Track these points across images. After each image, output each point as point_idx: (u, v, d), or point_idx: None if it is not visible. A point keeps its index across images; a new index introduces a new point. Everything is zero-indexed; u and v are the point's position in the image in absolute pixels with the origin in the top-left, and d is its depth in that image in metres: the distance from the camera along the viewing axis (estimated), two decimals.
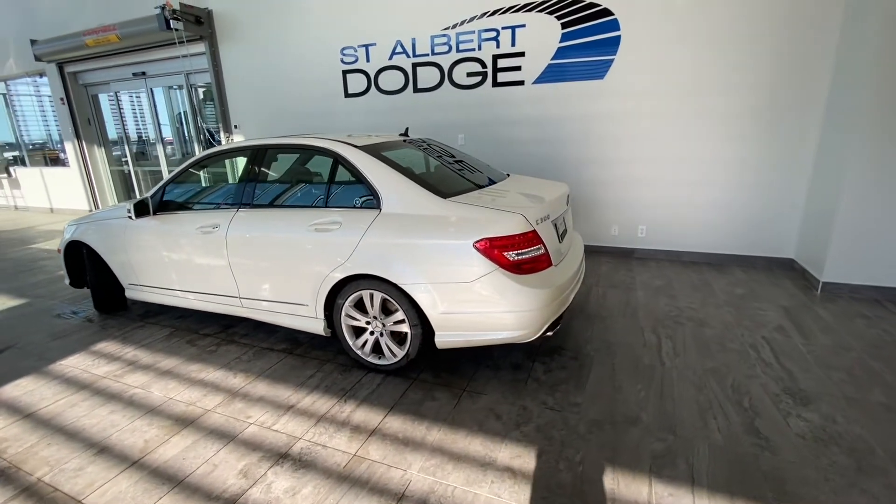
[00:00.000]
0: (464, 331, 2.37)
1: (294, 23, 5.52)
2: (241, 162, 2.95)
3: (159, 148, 7.38)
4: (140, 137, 7.88)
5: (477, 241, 2.23)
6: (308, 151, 2.83)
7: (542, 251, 2.36)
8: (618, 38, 4.24)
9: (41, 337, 3.27)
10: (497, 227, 2.24)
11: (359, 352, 2.67)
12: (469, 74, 4.88)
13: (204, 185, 3.13)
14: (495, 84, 4.81)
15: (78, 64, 7.24)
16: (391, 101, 5.33)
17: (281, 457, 2.00)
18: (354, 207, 2.57)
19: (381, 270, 2.42)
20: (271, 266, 2.76)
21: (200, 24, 5.88)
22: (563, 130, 4.67)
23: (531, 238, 2.29)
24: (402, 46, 5.09)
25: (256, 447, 2.07)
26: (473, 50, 4.79)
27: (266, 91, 6.04)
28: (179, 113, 7.24)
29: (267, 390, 2.52)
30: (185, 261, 3.08)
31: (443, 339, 2.41)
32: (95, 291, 3.54)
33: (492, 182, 2.98)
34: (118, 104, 7.54)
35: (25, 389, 2.60)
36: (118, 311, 3.68)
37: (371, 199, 2.52)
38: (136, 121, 7.76)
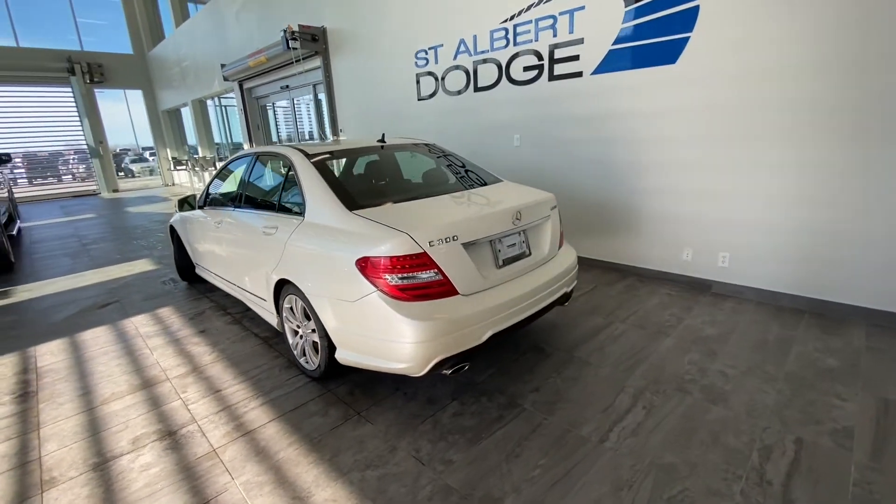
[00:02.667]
0: (357, 352, 2.24)
1: (381, 30, 5.86)
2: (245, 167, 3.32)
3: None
4: (289, 138, 9.50)
5: (359, 259, 2.08)
6: (277, 159, 3.02)
7: (438, 277, 2.05)
8: (695, 11, 3.27)
9: (139, 297, 4.31)
10: (379, 246, 2.04)
11: (294, 352, 2.77)
12: (526, 69, 4.43)
13: (230, 185, 3.62)
14: (552, 77, 4.26)
15: (249, 82, 9.11)
16: (455, 103, 5.22)
17: (169, 434, 2.24)
18: (292, 213, 2.65)
19: (294, 277, 2.46)
20: (244, 261, 3.08)
21: (316, 41, 6.74)
22: (625, 128, 3.85)
23: (419, 261, 2.01)
24: (464, 45, 4.92)
25: (164, 420, 2.37)
26: (530, 42, 4.32)
27: (362, 97, 6.59)
28: (310, 118, 8.48)
29: (219, 371, 2.83)
30: (209, 248, 3.66)
31: (342, 356, 2.32)
32: (178, 266, 4.50)
33: (467, 188, 2.73)
34: (274, 112, 9.24)
35: (94, 335, 3.49)
36: (196, 282, 4.59)
37: (302, 207, 2.57)
38: (287, 125, 9.38)
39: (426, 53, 5.36)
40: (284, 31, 6.46)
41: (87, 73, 13.10)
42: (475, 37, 4.78)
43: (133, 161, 19.95)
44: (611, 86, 3.87)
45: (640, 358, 2.70)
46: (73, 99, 13.29)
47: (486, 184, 2.95)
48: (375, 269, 2.02)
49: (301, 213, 2.54)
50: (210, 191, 3.80)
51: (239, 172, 3.42)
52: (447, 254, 2.07)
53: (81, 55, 13.13)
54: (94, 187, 14.56)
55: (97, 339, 3.40)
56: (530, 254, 2.52)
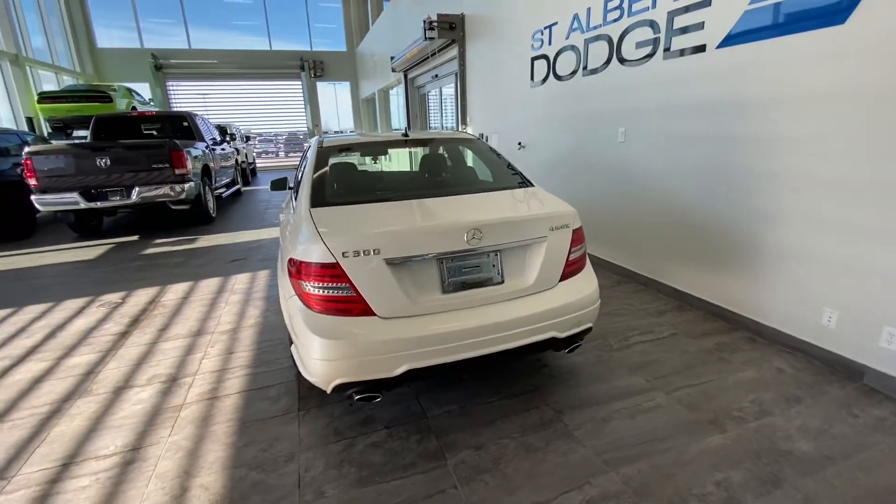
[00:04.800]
0: (295, 351, 2.21)
1: (509, 10, 5.47)
2: None
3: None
4: (442, 126, 9.91)
5: (289, 258, 2.02)
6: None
7: (350, 293, 1.84)
8: None
9: (258, 258, 5.19)
10: (298, 248, 1.94)
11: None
12: (638, 45, 3.51)
13: None
14: (667, 54, 3.27)
15: (411, 72, 9.78)
16: (563, 89, 4.53)
17: (171, 380, 2.64)
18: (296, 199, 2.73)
19: (280, 261, 2.55)
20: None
21: (453, 29, 6.74)
22: (757, 122, 2.71)
23: (331, 272, 1.84)
24: (577, 20, 4.19)
25: (180, 366, 2.80)
26: (646, 9, 3.38)
27: (484, 86, 6.35)
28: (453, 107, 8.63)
29: (248, 335, 3.20)
30: None
31: (292, 351, 2.33)
32: None
33: (464, 192, 2.41)
34: (427, 100, 9.73)
35: (207, 284, 4.37)
36: None
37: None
38: (434, 114, 9.79)
39: (542, 34, 4.78)
40: (424, 22, 6.66)
41: (312, 69, 16.19)
42: (589, 9, 4.01)
43: None
44: (742, 62, 2.75)
45: (646, 451, 1.93)
46: (301, 90, 16.68)
47: (498, 189, 2.50)
48: (297, 272, 1.94)
49: None
50: None
51: None
52: (363, 268, 1.83)
53: (310, 54, 16.29)
54: None
55: (206, 288, 4.26)
56: (502, 281, 2.03)
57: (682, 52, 3.16)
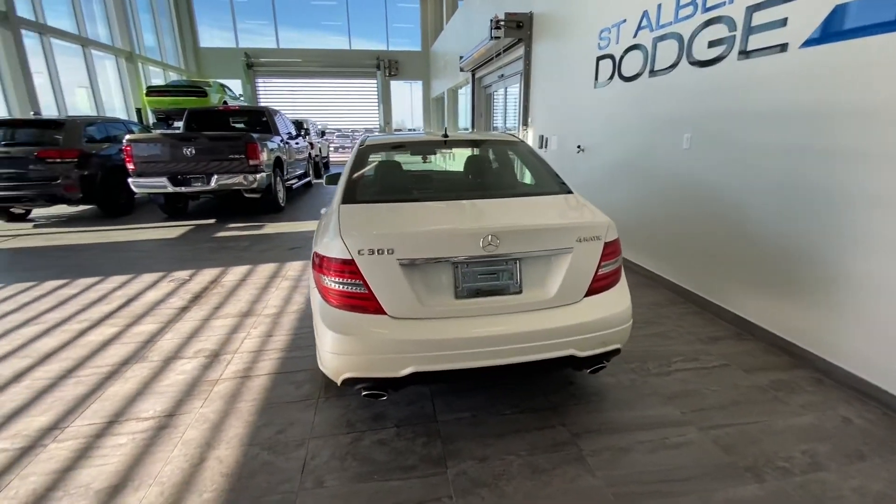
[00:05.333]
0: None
1: (578, 7, 5.25)
2: None
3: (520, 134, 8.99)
4: (504, 127, 9.78)
5: (314, 251, 2.09)
6: None
7: (363, 290, 1.87)
8: None
9: None
10: (321, 243, 2.01)
11: None
12: (711, 44, 3.20)
13: None
14: (743, 54, 2.94)
15: (479, 71, 9.74)
16: (627, 90, 4.26)
17: (214, 355, 2.86)
18: None
19: None
20: None
21: (520, 28, 6.60)
22: (849, 135, 2.35)
23: (347, 268, 1.88)
24: (647, 18, 3.90)
25: (224, 343, 3.01)
26: (723, 4, 3.07)
27: (549, 86, 6.14)
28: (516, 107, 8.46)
29: (289, 320, 3.38)
30: None
31: None
32: None
33: (494, 196, 2.36)
34: (493, 100, 9.64)
35: (264, 268, 4.67)
36: None
37: None
38: (497, 114, 9.66)
39: (609, 32, 4.52)
40: (491, 21, 6.60)
41: (387, 68, 16.74)
42: (660, 6, 3.72)
43: None
44: (831, 63, 2.40)
45: (663, 490, 1.75)
46: (375, 89, 17.30)
47: (534, 194, 2.40)
48: (319, 265, 2.00)
49: None
50: None
51: None
52: (377, 267, 1.84)
53: (386, 54, 16.84)
54: None
55: (263, 272, 4.56)
56: (520, 291, 1.95)
57: (761, 51, 2.82)
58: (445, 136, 2.87)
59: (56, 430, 2.13)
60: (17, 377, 2.59)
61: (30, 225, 6.94)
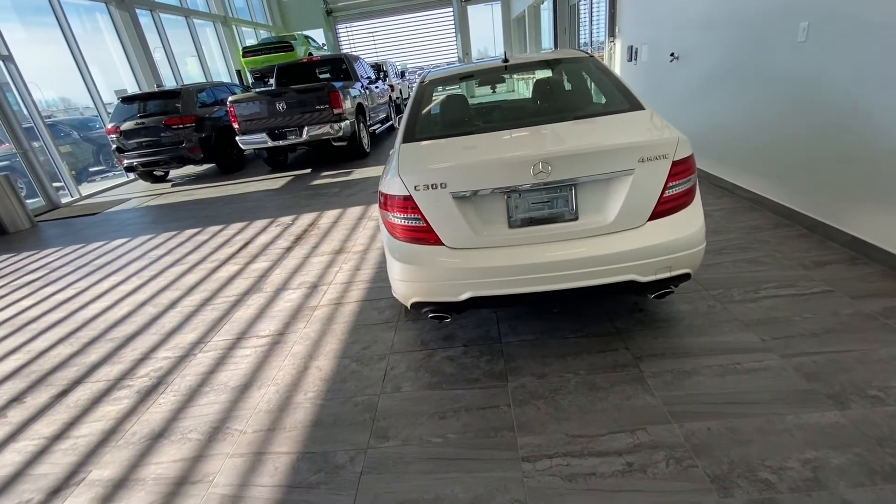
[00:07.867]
0: None
1: None
2: None
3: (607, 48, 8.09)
4: (591, 41, 8.83)
5: (379, 190, 2.26)
6: None
7: (422, 224, 2.01)
8: None
9: None
10: (383, 181, 2.16)
11: None
12: None
13: None
14: None
15: None
16: None
17: (315, 286, 3.32)
18: None
19: None
20: None
21: None
22: None
23: (406, 204, 2.02)
24: None
25: (321, 276, 3.46)
26: None
27: None
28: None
29: (375, 255, 3.73)
30: None
31: None
32: None
33: (559, 120, 2.30)
34: (577, 12, 8.68)
35: (353, 211, 5.08)
36: None
37: None
38: (589, 25, 8.69)
39: None
40: None
41: None
42: None
43: None
44: None
45: (726, 411, 1.73)
46: (452, 18, 16.49)
47: (603, 114, 2.27)
48: (383, 203, 2.17)
49: None
50: None
51: None
52: (433, 201, 1.95)
53: None
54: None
55: (352, 214, 4.97)
56: (576, 218, 1.93)
57: None
58: (505, 60, 2.76)
59: (201, 343, 2.72)
60: (172, 304, 3.30)
61: (169, 185, 8.25)
